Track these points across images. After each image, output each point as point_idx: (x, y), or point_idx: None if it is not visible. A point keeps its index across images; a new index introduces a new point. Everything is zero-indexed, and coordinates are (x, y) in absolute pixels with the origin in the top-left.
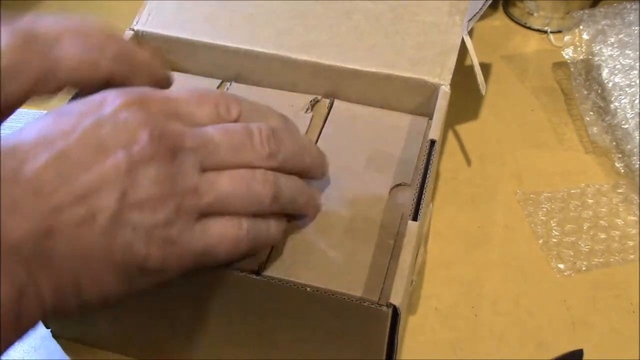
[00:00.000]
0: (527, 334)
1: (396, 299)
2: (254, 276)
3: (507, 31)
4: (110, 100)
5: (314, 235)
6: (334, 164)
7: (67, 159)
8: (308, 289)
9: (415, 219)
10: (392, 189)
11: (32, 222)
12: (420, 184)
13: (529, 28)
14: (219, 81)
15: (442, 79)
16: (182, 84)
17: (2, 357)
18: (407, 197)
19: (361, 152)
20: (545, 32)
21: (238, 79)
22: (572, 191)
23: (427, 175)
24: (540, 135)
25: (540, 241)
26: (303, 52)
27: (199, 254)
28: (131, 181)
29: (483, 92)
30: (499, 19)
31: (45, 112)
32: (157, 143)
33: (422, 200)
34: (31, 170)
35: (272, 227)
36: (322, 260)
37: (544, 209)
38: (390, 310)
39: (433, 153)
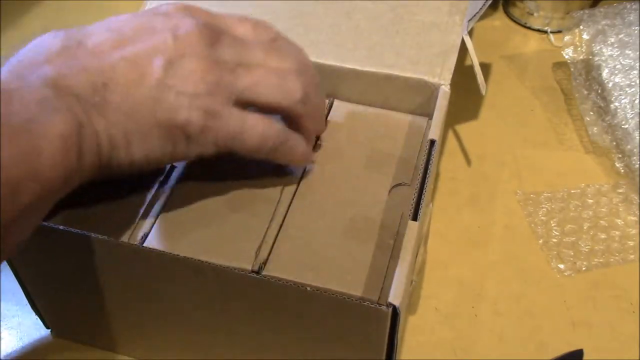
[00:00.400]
0: (527, 334)
1: (396, 299)
2: (254, 275)
3: (507, 31)
4: (164, 7)
5: (314, 235)
6: (333, 163)
7: (123, 35)
8: (308, 289)
9: (415, 219)
10: (391, 188)
11: (93, 75)
12: (420, 183)
13: (529, 28)
14: None
15: (442, 79)
16: None
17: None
18: (407, 197)
19: (361, 152)
20: (545, 32)
21: None
22: (572, 191)
23: (427, 175)
24: (540, 135)
25: (540, 241)
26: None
27: (231, 135)
28: (176, 54)
29: (483, 92)
30: (499, 19)
31: None
32: (201, 28)
33: (422, 200)
34: (93, 41)
35: (299, 144)
36: (322, 260)
37: (544, 209)
38: (390, 310)
39: (433, 153)
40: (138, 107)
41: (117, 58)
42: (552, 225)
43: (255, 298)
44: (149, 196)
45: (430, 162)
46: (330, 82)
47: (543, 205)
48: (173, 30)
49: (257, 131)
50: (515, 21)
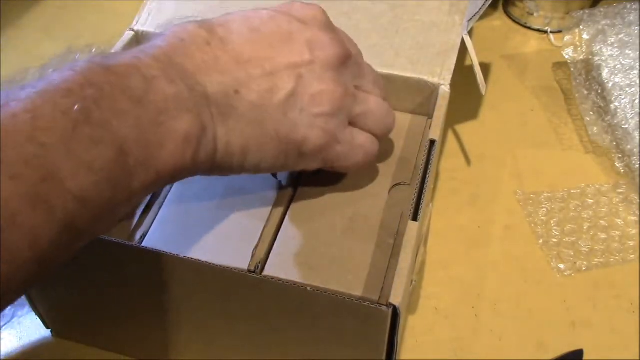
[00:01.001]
0: (527, 334)
1: (396, 298)
2: (254, 275)
3: (507, 31)
4: (297, 5)
5: (313, 235)
6: None
7: (262, 38)
8: (308, 288)
9: (415, 219)
10: (391, 188)
11: (228, 81)
12: (420, 183)
13: (529, 28)
14: None
15: (442, 78)
16: None
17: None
18: (406, 197)
19: None
20: (545, 32)
21: None
22: (572, 191)
23: (427, 175)
24: (540, 135)
25: (540, 241)
26: None
27: (340, 154)
28: (310, 73)
29: (483, 92)
30: (499, 19)
31: None
32: (336, 49)
33: (422, 200)
34: (234, 41)
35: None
36: (322, 260)
37: (544, 209)
38: (390, 310)
39: (433, 152)
40: (263, 118)
41: (254, 67)
42: (552, 225)
43: (255, 298)
44: (148, 196)
45: (430, 161)
46: None
47: (543, 205)
48: (310, 45)
49: (363, 150)
50: (515, 21)
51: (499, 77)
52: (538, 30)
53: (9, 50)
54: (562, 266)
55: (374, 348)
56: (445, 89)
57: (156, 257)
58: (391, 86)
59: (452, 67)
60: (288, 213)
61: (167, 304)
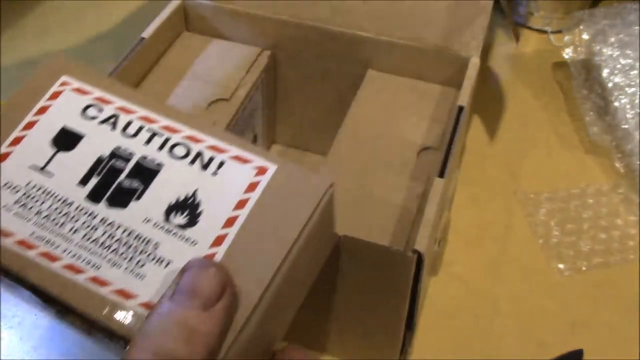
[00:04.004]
0: (527, 334)
1: (421, 245)
2: None
3: (507, 31)
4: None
5: (347, 186)
6: (364, 129)
7: None
8: (338, 235)
9: (441, 175)
10: (420, 152)
11: None
12: (448, 145)
13: (529, 28)
14: (258, 49)
15: (472, 50)
16: (225, 51)
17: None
18: (434, 161)
19: (392, 118)
20: (545, 32)
21: (276, 47)
22: (572, 191)
23: (455, 138)
24: (540, 135)
25: (540, 241)
26: (339, 23)
27: None
28: None
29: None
30: (499, 19)
31: None
32: None
33: (448, 160)
34: None
35: None
36: (353, 211)
37: (544, 209)
38: (415, 257)
39: (461, 118)
40: None
41: None
42: (552, 225)
43: None
44: None
45: (458, 127)
46: (365, 53)
47: (543, 205)
48: None
49: None
50: (515, 21)
51: (499, 77)
52: (538, 30)
53: (9, 50)
54: (562, 266)
55: (398, 295)
56: (475, 60)
57: None
58: (423, 58)
59: (482, 39)
60: (321, 169)
61: None
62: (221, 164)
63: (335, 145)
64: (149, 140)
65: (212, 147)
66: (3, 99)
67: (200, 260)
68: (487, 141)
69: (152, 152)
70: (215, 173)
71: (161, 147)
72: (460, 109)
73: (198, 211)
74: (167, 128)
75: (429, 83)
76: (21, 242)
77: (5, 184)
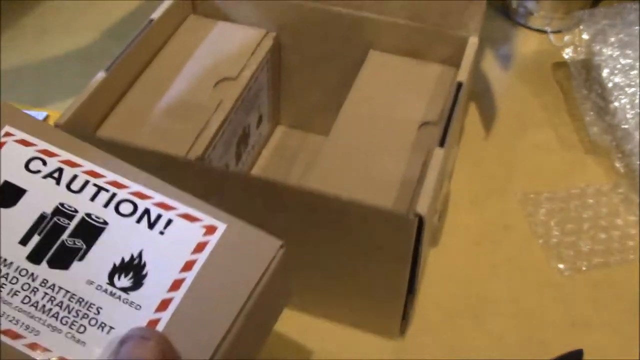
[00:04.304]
0: (527, 334)
1: (422, 209)
2: (297, 187)
3: (507, 31)
4: None
5: (352, 153)
6: (368, 103)
7: None
8: (343, 199)
9: (442, 145)
10: (420, 126)
11: None
12: (447, 118)
13: (529, 28)
14: (263, 31)
15: (471, 30)
16: (230, 33)
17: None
18: (434, 135)
19: (393, 97)
20: (545, 32)
21: (280, 29)
22: (572, 191)
23: (454, 112)
24: (540, 135)
25: (540, 241)
26: (342, 4)
27: None
28: None
29: None
30: (499, 19)
31: (45, 113)
32: None
33: (448, 132)
34: None
35: None
36: (356, 182)
37: (544, 209)
38: (416, 220)
39: (460, 94)
40: None
41: None
42: (552, 225)
43: (298, 210)
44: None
45: (457, 102)
46: (366, 33)
47: (543, 205)
48: None
49: None
50: (515, 21)
51: (499, 77)
52: (538, 30)
53: (9, 50)
54: (562, 266)
55: (401, 258)
56: (473, 39)
57: (208, 173)
58: (422, 37)
59: (481, 19)
60: (330, 135)
61: None
62: (169, 222)
63: (337, 123)
64: (94, 196)
65: (160, 204)
66: (3, 99)
67: (140, 330)
68: (487, 141)
69: (97, 209)
70: (162, 232)
71: (107, 203)
72: (459, 85)
73: (143, 273)
74: (113, 183)
75: (429, 62)
76: None
77: None
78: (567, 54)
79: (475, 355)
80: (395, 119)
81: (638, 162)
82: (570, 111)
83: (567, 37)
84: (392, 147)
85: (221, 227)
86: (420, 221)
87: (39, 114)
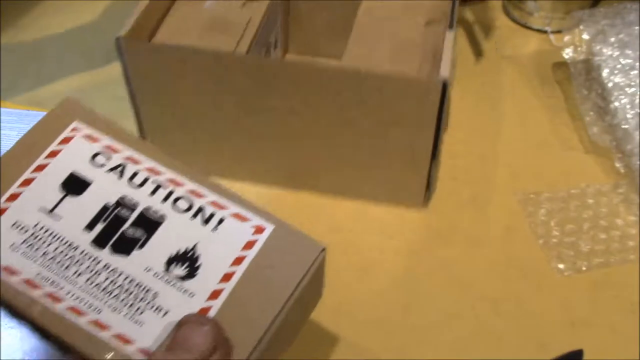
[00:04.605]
0: (527, 334)
1: (445, 73)
2: (332, 64)
3: (507, 31)
4: None
5: (373, 50)
6: (378, 11)
7: None
8: (379, 73)
9: (451, 27)
10: (426, 24)
11: None
12: (450, 15)
13: (529, 28)
14: None
15: None
16: None
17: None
18: (439, 33)
19: (400, 12)
20: (545, 32)
21: None
22: (572, 191)
23: (454, 11)
24: (540, 135)
25: (541, 241)
26: None
27: None
28: None
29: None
30: (499, 19)
31: (45, 113)
32: None
33: (454, 15)
34: None
35: None
36: (382, 62)
37: (544, 209)
38: (441, 83)
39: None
40: None
41: None
42: (552, 225)
43: (338, 89)
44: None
45: (456, 3)
46: None
47: (543, 205)
48: None
49: None
50: (515, 21)
51: (499, 77)
52: (538, 30)
53: (9, 50)
54: (562, 266)
55: (426, 124)
56: None
57: (258, 66)
58: None
59: None
60: (350, 38)
61: (263, 116)
62: (221, 221)
63: (354, 30)
64: (153, 192)
65: (214, 203)
66: (3, 99)
67: (197, 316)
68: (487, 141)
69: (156, 204)
70: (215, 229)
71: (165, 199)
72: None
73: (197, 264)
74: (171, 181)
75: None
76: (27, 282)
77: (14, 224)
78: (567, 54)
79: (476, 355)
80: (403, 20)
81: (638, 162)
82: (570, 111)
83: (567, 37)
84: (406, 39)
85: (269, 227)
86: (444, 85)
87: (39, 114)
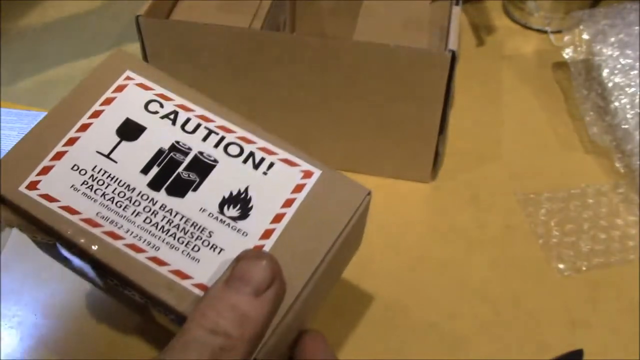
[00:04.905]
0: (527, 334)
1: (453, 45)
2: (344, 40)
3: (507, 31)
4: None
5: (383, 27)
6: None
7: None
8: (391, 45)
9: (457, 4)
10: (433, 2)
11: None
12: None
13: (529, 28)
14: None
15: None
16: None
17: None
18: (445, 10)
19: None
20: (545, 32)
21: None
22: (572, 191)
23: None
24: (540, 135)
25: (540, 241)
26: None
27: None
28: None
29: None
30: (499, 19)
31: (45, 113)
32: None
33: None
34: None
35: None
36: (392, 38)
37: (544, 209)
38: (450, 54)
39: None
40: None
41: None
42: (552, 225)
43: (350, 63)
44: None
45: None
46: None
47: (543, 205)
48: None
49: None
50: (515, 21)
51: (499, 77)
52: (538, 30)
53: (9, 50)
54: (562, 266)
55: (435, 96)
56: None
57: (271, 39)
58: None
59: None
60: (359, 17)
61: (273, 89)
62: (271, 165)
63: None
64: (205, 138)
65: (263, 149)
66: (3, 99)
67: (254, 251)
68: (487, 141)
69: (208, 149)
70: (265, 173)
71: (217, 144)
72: None
73: (249, 205)
74: (222, 128)
75: None
76: (87, 220)
77: (73, 166)
78: (567, 54)
79: (476, 355)
80: (411, 2)
81: (638, 162)
82: (570, 111)
83: (567, 37)
84: (414, 17)
85: (317, 172)
86: (453, 56)
87: (39, 114)
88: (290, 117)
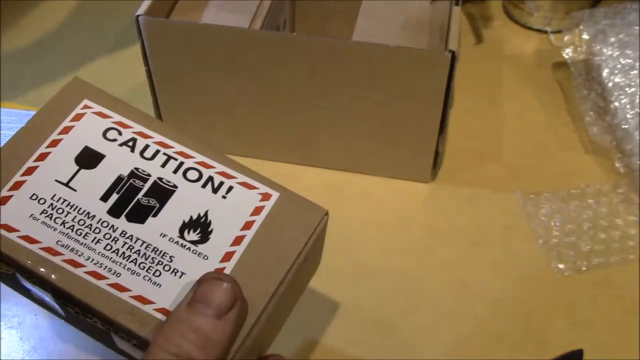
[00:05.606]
0: (527, 334)
1: (453, 45)
2: (348, 42)
3: (507, 31)
4: None
5: (381, 27)
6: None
7: None
8: (391, 46)
9: (457, 4)
10: (432, 2)
11: None
12: None
13: (529, 28)
14: None
15: None
16: None
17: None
18: (445, 9)
19: None
20: (545, 32)
21: None
22: (572, 191)
23: None
24: (541, 135)
25: (540, 241)
26: None
27: None
28: None
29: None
30: (499, 19)
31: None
32: None
33: None
34: None
35: None
36: (391, 39)
37: (544, 209)
38: (450, 54)
39: None
40: None
41: None
42: (552, 225)
43: (349, 63)
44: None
45: None
46: None
47: (543, 205)
48: None
49: None
50: (515, 21)
51: (499, 77)
52: (538, 30)
53: (9, 50)
54: (562, 266)
55: (434, 96)
56: None
57: (267, 39)
58: None
59: None
60: (359, 14)
61: (273, 89)
62: (230, 189)
63: (362, 9)
64: (164, 164)
65: (222, 173)
66: (3, 99)
67: (215, 273)
68: (487, 141)
69: (167, 174)
70: (224, 196)
71: (176, 170)
72: None
73: (209, 229)
74: (181, 153)
75: None
76: (47, 249)
77: (32, 195)
78: (567, 54)
79: (476, 355)
80: (411, 2)
81: (638, 162)
82: (570, 111)
83: (567, 37)
84: (414, 17)
85: (275, 194)
86: (453, 56)
87: None
88: (290, 117)
